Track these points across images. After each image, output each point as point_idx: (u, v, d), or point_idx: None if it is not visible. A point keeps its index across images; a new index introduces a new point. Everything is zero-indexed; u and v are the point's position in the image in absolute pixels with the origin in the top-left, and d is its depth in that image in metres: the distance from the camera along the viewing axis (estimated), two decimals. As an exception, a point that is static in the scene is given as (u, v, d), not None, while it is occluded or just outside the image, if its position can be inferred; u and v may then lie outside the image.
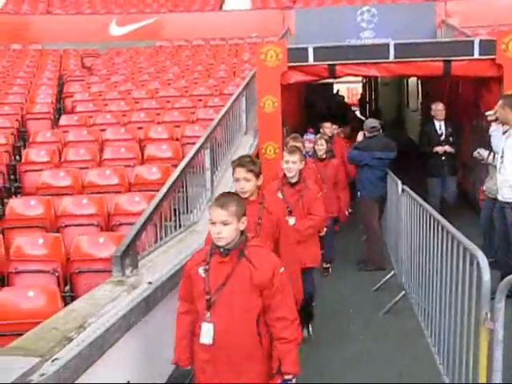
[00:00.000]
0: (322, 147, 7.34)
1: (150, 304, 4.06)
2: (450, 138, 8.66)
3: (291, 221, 4.90)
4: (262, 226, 4.02)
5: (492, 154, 6.91)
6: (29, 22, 18.64)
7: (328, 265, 7.63)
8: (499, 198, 6.08)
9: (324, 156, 7.39)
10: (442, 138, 8.65)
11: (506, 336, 3.15)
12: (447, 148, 8.54)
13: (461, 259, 3.74)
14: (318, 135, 7.64)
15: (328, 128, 9.04)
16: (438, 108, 8.80)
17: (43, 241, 5.87)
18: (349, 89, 29.45)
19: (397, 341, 5.44)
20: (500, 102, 6.12)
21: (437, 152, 8.57)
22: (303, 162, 5.33)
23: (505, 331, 3.13)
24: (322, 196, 5.58)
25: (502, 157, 5.98)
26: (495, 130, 6.61)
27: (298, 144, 6.27)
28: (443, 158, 8.56)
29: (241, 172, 3.98)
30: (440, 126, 8.74)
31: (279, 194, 5.18)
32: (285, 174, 5.30)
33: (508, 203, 5.91)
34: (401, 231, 6.35)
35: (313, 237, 5.35)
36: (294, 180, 5.25)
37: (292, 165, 5.21)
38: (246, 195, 3.93)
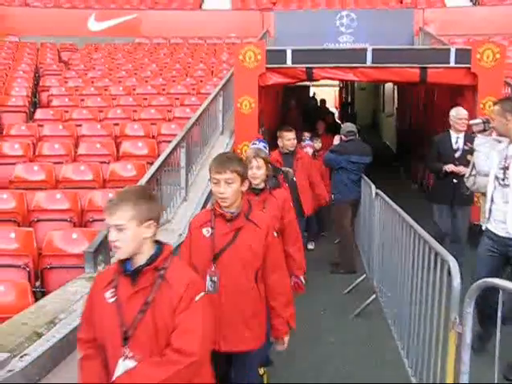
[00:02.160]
0: (257, 173, 4.28)
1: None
2: (468, 156, 6.10)
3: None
4: None
5: (474, 174, 5.16)
6: (6, 13, 18.33)
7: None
8: (502, 233, 4.66)
9: (261, 186, 4.34)
10: (458, 154, 6.68)
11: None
12: (461, 169, 6.31)
13: (432, 263, 3.80)
14: (251, 150, 4.62)
15: (290, 140, 6.85)
16: (460, 116, 6.73)
17: (15, 235, 5.81)
18: (336, 92, 29.25)
19: (367, 344, 5.48)
20: (496, 107, 4.79)
21: (447, 172, 6.67)
22: (246, 184, 3.35)
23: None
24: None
25: (503, 179, 4.62)
26: (482, 144, 4.92)
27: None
28: (455, 180, 6.56)
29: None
30: (457, 140, 6.72)
31: (205, 231, 3.34)
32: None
33: None
34: (373, 235, 6.41)
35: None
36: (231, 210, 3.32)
37: (226, 188, 3.23)
38: None
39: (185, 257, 3.33)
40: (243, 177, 3.30)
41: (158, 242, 2.55)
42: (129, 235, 2.42)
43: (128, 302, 2.45)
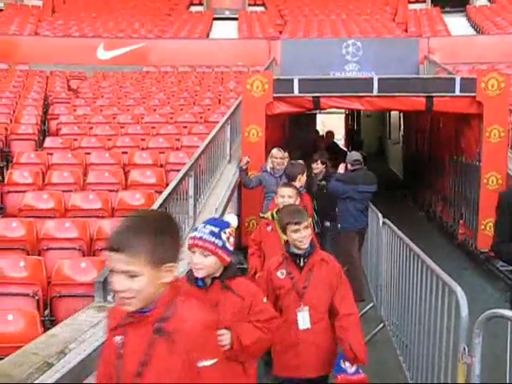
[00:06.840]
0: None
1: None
2: None
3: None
4: None
5: None
6: (16, 42, 18.67)
7: None
8: None
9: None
10: None
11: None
12: None
13: (440, 294, 3.80)
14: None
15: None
16: None
17: (24, 263, 5.81)
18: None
19: (375, 373, 5.43)
20: None
21: None
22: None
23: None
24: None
25: None
26: None
27: None
28: None
29: None
30: None
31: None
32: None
33: None
34: (381, 263, 6.40)
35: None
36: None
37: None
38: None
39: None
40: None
41: None
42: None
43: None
